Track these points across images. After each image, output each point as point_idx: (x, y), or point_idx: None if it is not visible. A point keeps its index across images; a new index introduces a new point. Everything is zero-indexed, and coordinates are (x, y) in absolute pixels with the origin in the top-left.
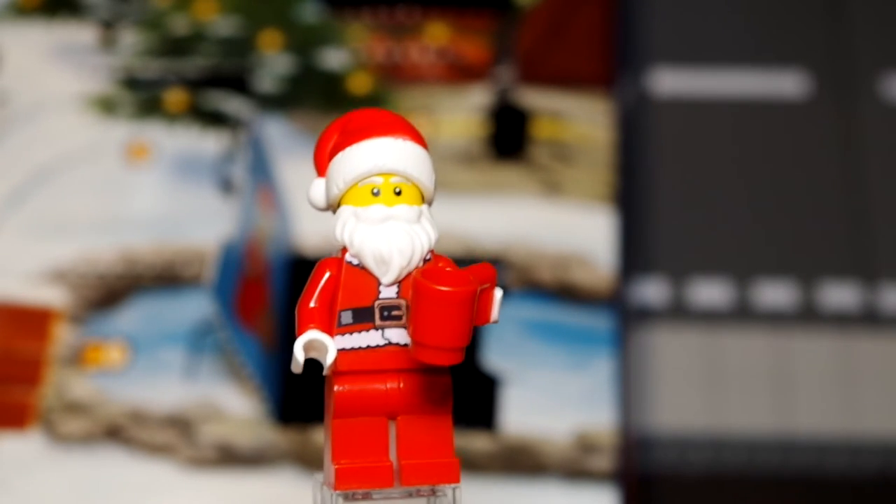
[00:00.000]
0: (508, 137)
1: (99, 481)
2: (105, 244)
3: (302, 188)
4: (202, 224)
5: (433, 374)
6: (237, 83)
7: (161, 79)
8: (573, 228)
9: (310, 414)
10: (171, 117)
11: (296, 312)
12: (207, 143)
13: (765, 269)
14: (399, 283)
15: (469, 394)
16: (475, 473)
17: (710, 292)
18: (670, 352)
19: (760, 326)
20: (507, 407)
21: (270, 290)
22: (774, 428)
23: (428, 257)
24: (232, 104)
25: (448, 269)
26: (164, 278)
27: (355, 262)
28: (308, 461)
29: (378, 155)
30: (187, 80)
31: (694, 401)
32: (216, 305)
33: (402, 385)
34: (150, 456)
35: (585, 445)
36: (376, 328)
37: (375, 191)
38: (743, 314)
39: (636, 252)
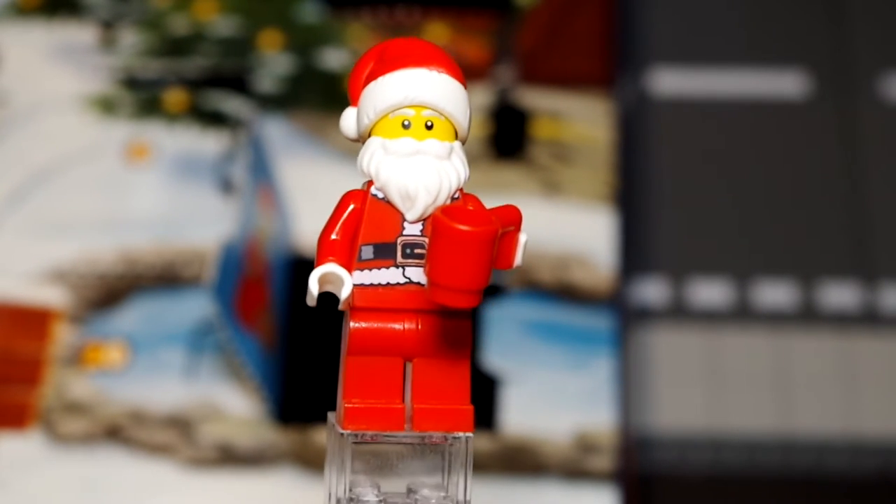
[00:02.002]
0: (508, 137)
1: (99, 481)
2: (105, 244)
3: (302, 188)
4: (202, 224)
5: (452, 318)
6: (237, 83)
7: (161, 79)
8: (573, 228)
9: (310, 414)
10: (170, 117)
11: (316, 244)
12: (207, 143)
13: (765, 269)
14: (424, 220)
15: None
16: (475, 473)
17: (710, 292)
18: (670, 352)
19: (760, 326)
20: (507, 407)
21: (270, 290)
22: (774, 428)
23: (456, 196)
24: (232, 104)
25: (470, 207)
26: (164, 278)
27: (380, 195)
28: (308, 461)
29: (410, 86)
30: (187, 80)
31: (694, 401)
32: (216, 305)
33: (419, 326)
34: (150, 456)
35: (585, 445)
36: (397, 266)
37: (406, 123)
38: (743, 314)
39: (636, 252)
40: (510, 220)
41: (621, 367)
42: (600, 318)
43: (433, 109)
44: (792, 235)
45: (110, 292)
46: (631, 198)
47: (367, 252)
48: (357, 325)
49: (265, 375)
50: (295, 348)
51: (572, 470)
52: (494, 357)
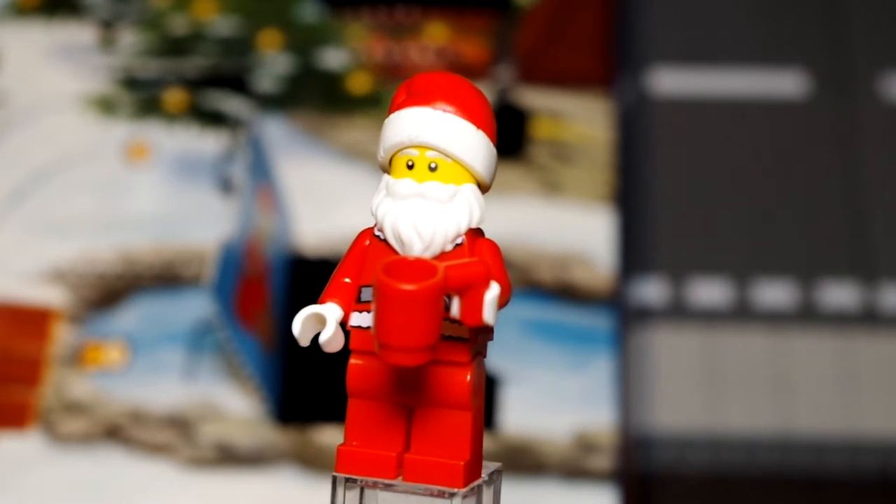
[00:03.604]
0: (508, 137)
1: (99, 481)
2: (105, 244)
3: (302, 188)
4: (202, 224)
5: (452, 366)
6: (237, 83)
7: (160, 79)
8: (573, 228)
9: (310, 414)
10: (170, 117)
11: None
12: (207, 143)
13: (765, 268)
14: None
15: None
16: None
17: (709, 292)
18: (670, 352)
19: (760, 326)
20: (507, 407)
21: (270, 290)
22: (774, 428)
23: (460, 241)
24: (231, 104)
25: (417, 260)
26: (163, 278)
27: (382, 236)
28: (308, 461)
29: (412, 126)
30: (187, 80)
31: (694, 401)
32: (216, 305)
33: (419, 377)
34: (149, 456)
35: (585, 445)
36: None
37: (410, 164)
38: (743, 314)
39: (636, 252)
40: (470, 276)
41: (621, 367)
42: (600, 317)
43: (437, 150)
44: (792, 235)
45: (110, 292)
46: (631, 198)
47: (367, 294)
48: (354, 365)
49: (265, 375)
50: (295, 348)
51: (572, 470)
52: (494, 357)
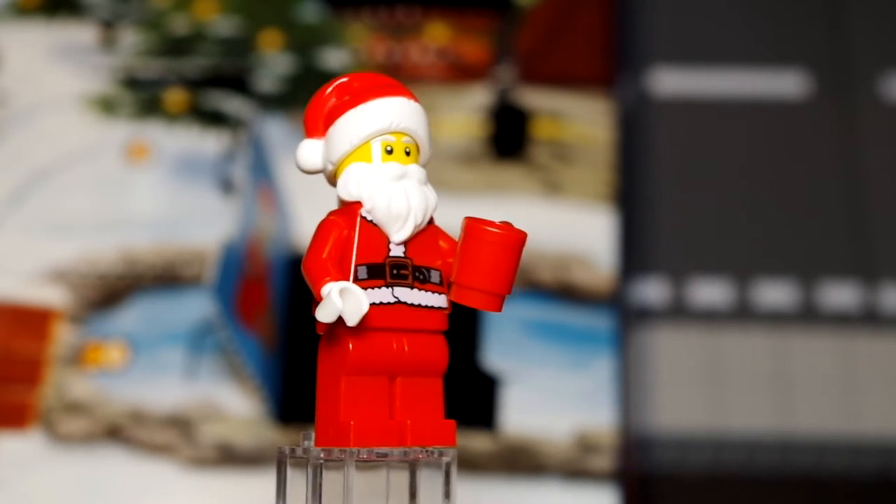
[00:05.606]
0: (508, 137)
1: (99, 481)
2: (105, 244)
3: (302, 188)
4: (202, 224)
5: (433, 336)
6: (237, 83)
7: (161, 79)
8: (573, 228)
9: (310, 414)
10: (171, 117)
11: (304, 267)
12: (207, 143)
13: (765, 269)
14: (406, 243)
15: (469, 394)
16: (475, 473)
17: (710, 292)
18: (670, 352)
19: (760, 326)
20: (507, 407)
21: (271, 290)
22: (774, 428)
23: (430, 219)
24: (232, 104)
25: (498, 222)
26: (164, 278)
27: (369, 217)
28: None
29: (394, 113)
30: (187, 80)
31: (694, 401)
32: (216, 305)
33: (407, 348)
34: (150, 456)
35: (585, 445)
36: (386, 285)
37: (389, 149)
38: (743, 314)
39: (636, 252)
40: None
41: (621, 367)
42: (600, 318)
43: (411, 136)
44: (792, 235)
45: (110, 292)
46: (631, 198)
47: (363, 272)
48: (356, 345)
49: (265, 375)
50: (295, 348)
51: (572, 470)
52: (494, 357)
